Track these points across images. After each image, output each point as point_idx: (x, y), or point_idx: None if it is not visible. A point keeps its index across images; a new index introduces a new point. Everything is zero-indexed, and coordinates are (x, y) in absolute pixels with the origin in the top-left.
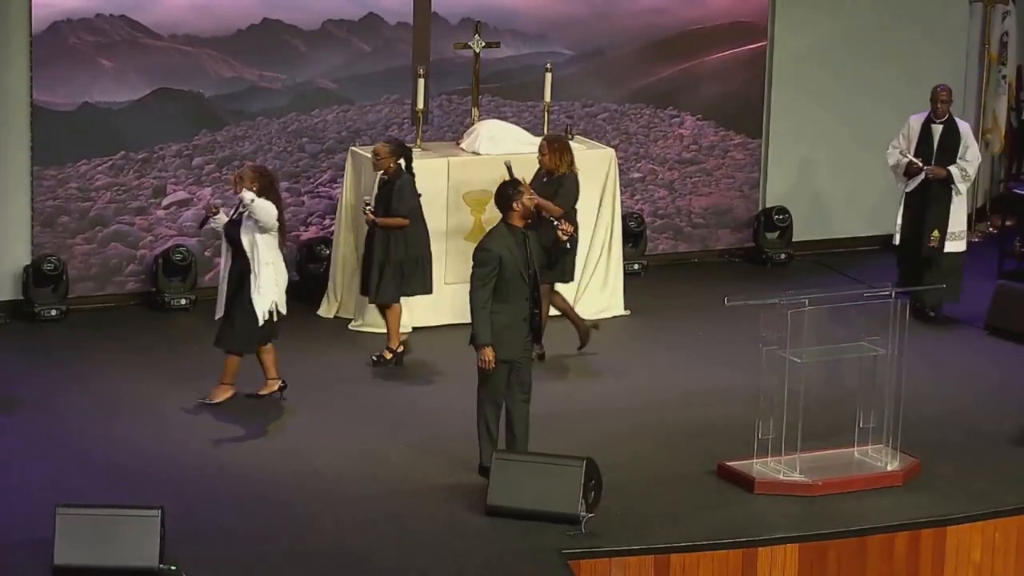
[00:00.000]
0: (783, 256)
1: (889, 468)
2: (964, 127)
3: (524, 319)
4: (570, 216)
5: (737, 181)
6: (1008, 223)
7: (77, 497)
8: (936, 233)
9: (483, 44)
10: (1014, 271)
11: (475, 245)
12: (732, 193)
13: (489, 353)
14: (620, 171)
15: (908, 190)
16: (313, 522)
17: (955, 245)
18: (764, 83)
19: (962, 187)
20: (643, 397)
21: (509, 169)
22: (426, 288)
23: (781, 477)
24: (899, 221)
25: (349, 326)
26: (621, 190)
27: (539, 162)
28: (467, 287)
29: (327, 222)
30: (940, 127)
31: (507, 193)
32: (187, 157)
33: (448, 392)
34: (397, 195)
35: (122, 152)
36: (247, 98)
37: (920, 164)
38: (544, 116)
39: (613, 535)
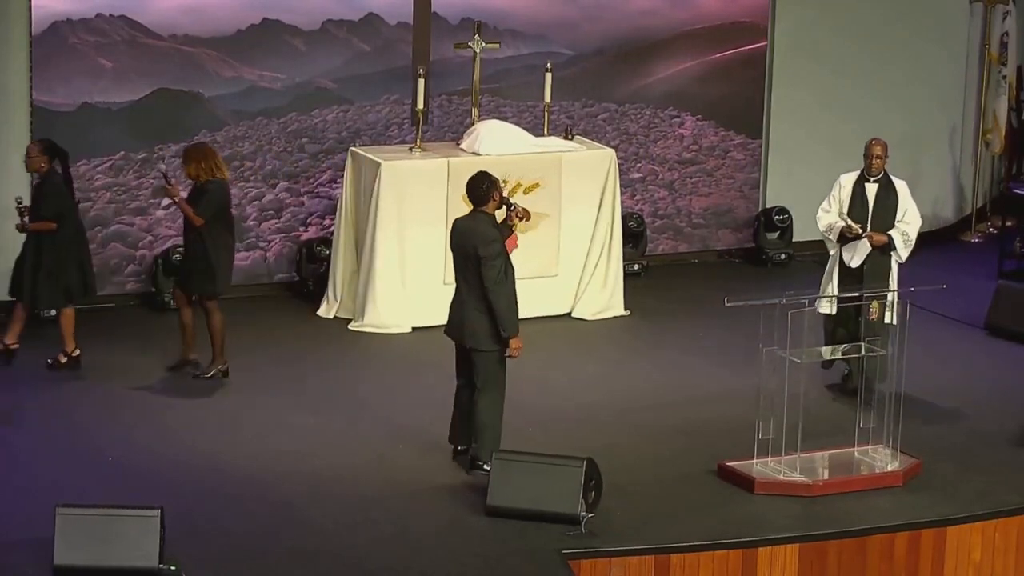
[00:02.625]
0: (783, 256)
1: (889, 468)
2: (902, 185)
3: (517, 304)
4: (223, 220)
5: (737, 181)
6: (1008, 223)
7: (78, 497)
8: (875, 304)
9: (483, 44)
10: (1014, 271)
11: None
12: (732, 193)
13: (520, 341)
14: (620, 171)
15: (855, 264)
16: (313, 522)
17: (890, 315)
18: (764, 83)
19: (904, 254)
20: (643, 397)
21: (165, 177)
22: (88, 294)
23: (781, 477)
24: (830, 291)
25: (349, 326)
26: (621, 190)
27: None
28: None
29: (327, 222)
30: (875, 186)
31: (483, 186)
32: None
33: (449, 392)
34: (45, 198)
35: (122, 152)
36: (247, 98)
37: (859, 229)
38: (544, 116)
39: (613, 535)
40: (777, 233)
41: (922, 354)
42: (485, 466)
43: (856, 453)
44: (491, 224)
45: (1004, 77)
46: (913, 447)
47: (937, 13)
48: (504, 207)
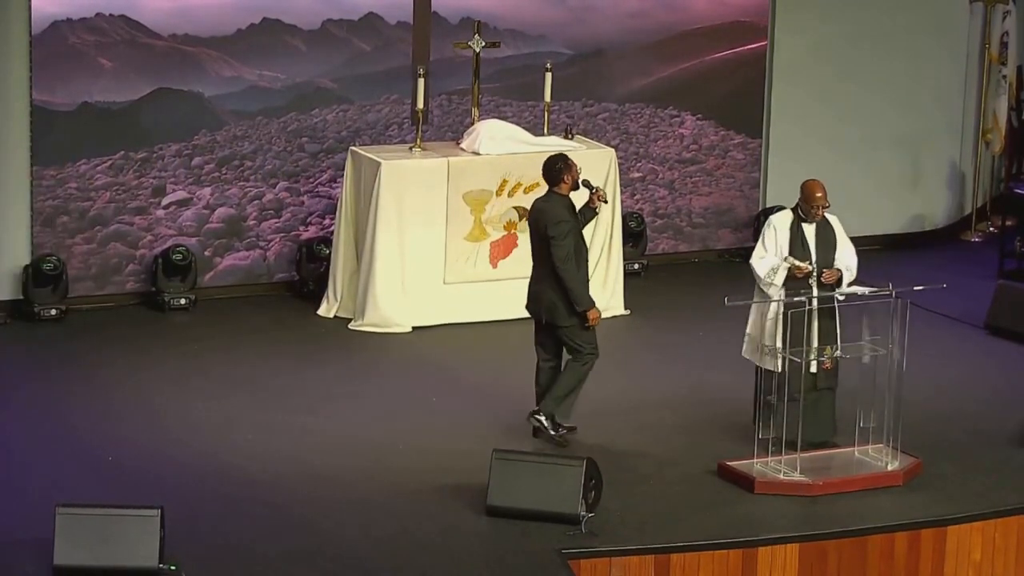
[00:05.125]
0: None
1: (889, 468)
2: (836, 221)
3: (588, 280)
4: None
5: (737, 181)
6: (1008, 223)
7: (77, 497)
8: (828, 350)
9: (483, 44)
10: (1014, 271)
11: (474, 242)
12: (732, 193)
13: (597, 311)
14: (620, 171)
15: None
16: (313, 522)
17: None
18: (764, 83)
19: (846, 289)
20: (643, 397)
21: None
22: None
23: (781, 477)
24: (778, 344)
25: (349, 326)
26: (621, 190)
27: None
28: (468, 286)
29: (327, 222)
30: (812, 226)
31: (556, 166)
32: (187, 157)
33: (448, 392)
34: None
35: (122, 152)
36: (247, 98)
37: (808, 267)
38: (544, 116)
39: (613, 535)
40: None
41: (922, 354)
42: (562, 428)
43: (856, 453)
44: (562, 205)
45: (1004, 77)
46: (913, 447)
47: (937, 13)
48: (587, 190)
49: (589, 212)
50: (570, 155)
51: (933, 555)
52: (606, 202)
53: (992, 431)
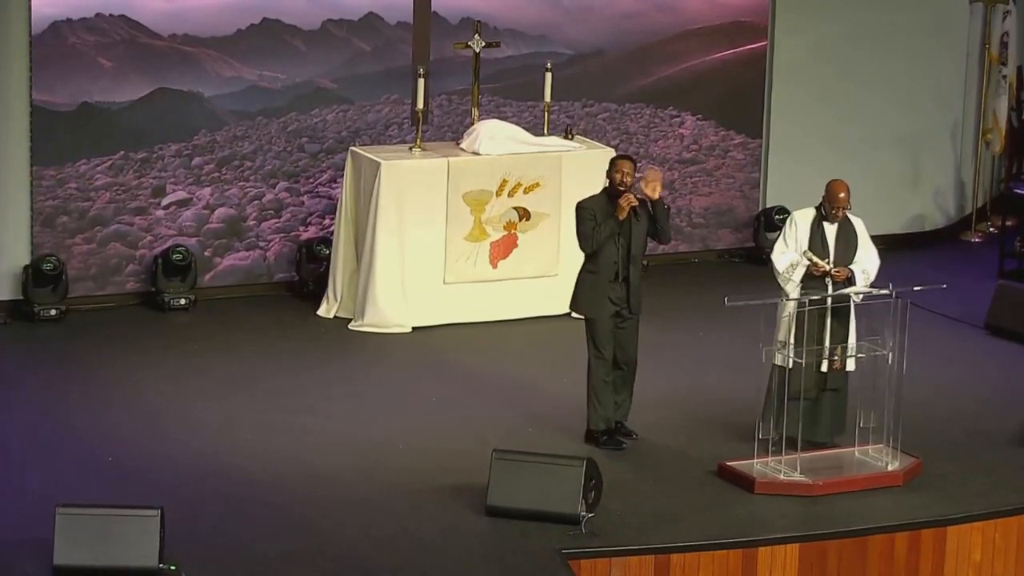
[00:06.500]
0: None
1: (889, 468)
2: (859, 223)
3: (610, 281)
4: None
5: (737, 181)
6: (1008, 223)
7: (77, 497)
8: (839, 350)
9: (483, 44)
10: (1014, 271)
11: (474, 243)
12: (732, 193)
13: (625, 200)
14: None
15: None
16: (313, 522)
17: (852, 362)
18: (764, 83)
19: (848, 289)
20: (642, 397)
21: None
22: None
23: (781, 477)
24: (790, 340)
25: (349, 326)
26: None
27: None
28: (468, 287)
29: (327, 222)
30: (834, 227)
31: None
32: (186, 157)
33: (448, 392)
34: None
35: (121, 152)
36: (247, 98)
37: (825, 266)
38: (544, 116)
39: (613, 535)
40: (777, 233)
41: (922, 354)
42: (603, 437)
43: (856, 453)
44: (594, 198)
45: (1004, 77)
46: (913, 447)
47: (937, 13)
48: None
49: (638, 210)
50: (567, 155)
51: (933, 555)
52: (649, 198)
53: (992, 431)
